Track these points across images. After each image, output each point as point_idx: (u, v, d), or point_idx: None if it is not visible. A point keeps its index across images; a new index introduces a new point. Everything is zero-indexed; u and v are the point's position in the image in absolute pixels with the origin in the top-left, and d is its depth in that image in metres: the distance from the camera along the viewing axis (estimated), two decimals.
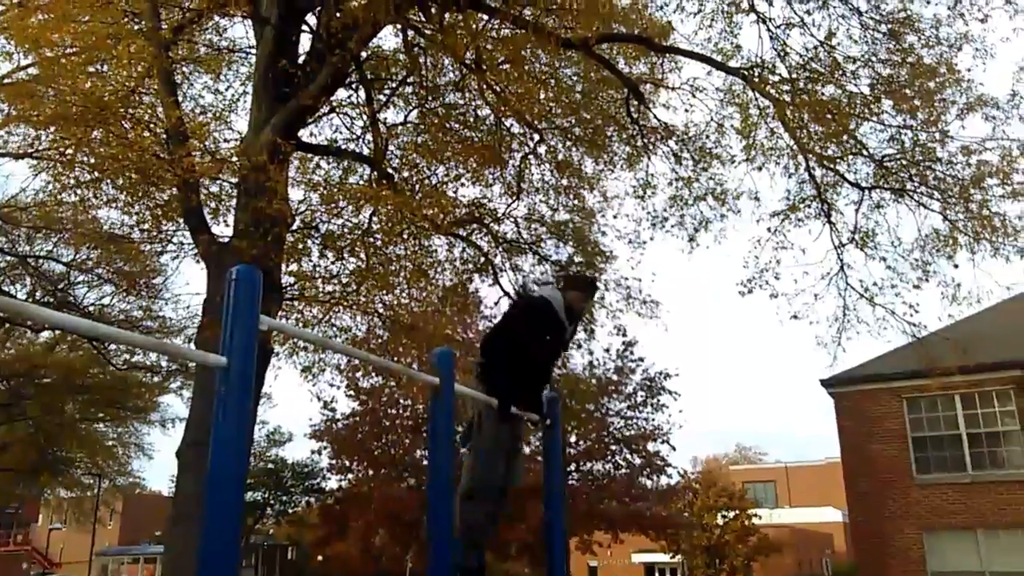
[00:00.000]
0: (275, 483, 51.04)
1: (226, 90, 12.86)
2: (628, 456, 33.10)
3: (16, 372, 30.76)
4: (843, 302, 14.02)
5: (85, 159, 9.48)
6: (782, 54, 12.28)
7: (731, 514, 47.69)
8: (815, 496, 55.68)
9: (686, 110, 13.32)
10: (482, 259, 13.63)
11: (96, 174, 9.44)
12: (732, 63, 12.61)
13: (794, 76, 12.15)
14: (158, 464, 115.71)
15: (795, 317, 13.69)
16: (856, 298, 13.52)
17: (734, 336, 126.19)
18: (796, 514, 54.61)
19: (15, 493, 38.70)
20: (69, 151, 9.65)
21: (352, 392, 30.02)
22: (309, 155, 12.09)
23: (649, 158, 13.48)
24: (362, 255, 10.82)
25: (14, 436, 33.37)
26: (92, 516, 41.65)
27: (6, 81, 12.08)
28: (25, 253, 23.38)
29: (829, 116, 11.65)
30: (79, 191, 9.96)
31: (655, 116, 13.20)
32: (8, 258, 22.84)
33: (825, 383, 17.58)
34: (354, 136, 12.50)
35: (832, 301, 15.34)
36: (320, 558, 53.20)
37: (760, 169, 13.04)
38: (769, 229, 13.26)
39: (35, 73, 10.70)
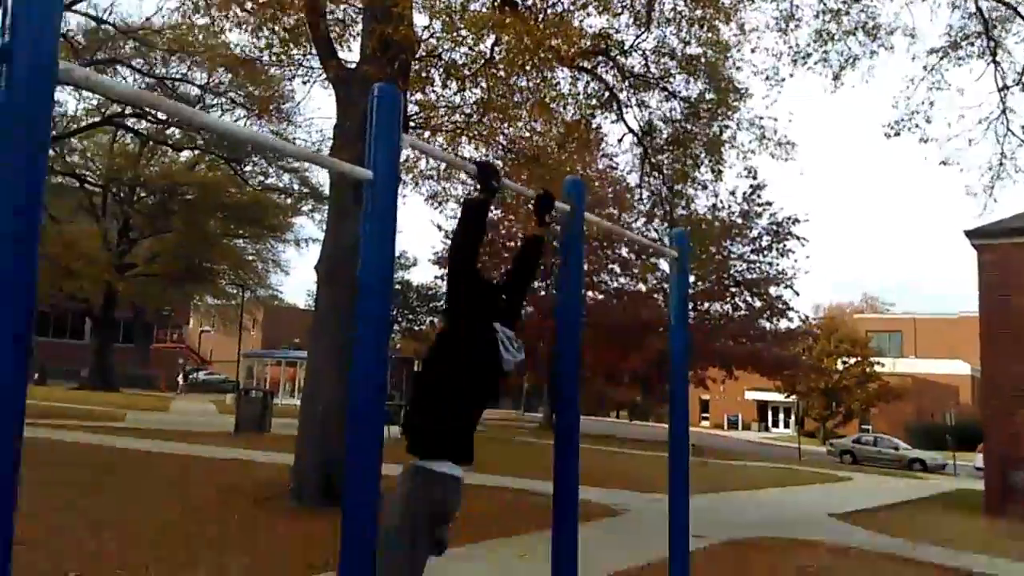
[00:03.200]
0: (402, 303, 54.28)
1: None
2: (748, 299, 32.87)
3: (161, 188, 32.99)
4: (1000, 149, 12.99)
5: None
6: None
7: (852, 360, 47.26)
8: (943, 349, 54.09)
9: None
10: (607, 94, 13.18)
11: None
12: None
13: None
14: (295, 279, 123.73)
15: (944, 163, 12.82)
16: (1016, 145, 12.47)
17: (871, 182, 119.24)
18: (921, 365, 53.47)
19: (167, 298, 42.58)
20: None
21: None
22: None
23: None
24: (484, 86, 10.67)
25: (163, 247, 36.33)
26: (237, 323, 45.50)
27: None
28: (162, 75, 24.30)
29: None
30: (210, 12, 10.10)
31: None
32: (147, 79, 23.83)
33: (970, 234, 16.53)
34: None
35: (988, 148, 14.28)
36: None
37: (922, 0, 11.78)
38: (925, 67, 12.19)
39: None
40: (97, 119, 25.62)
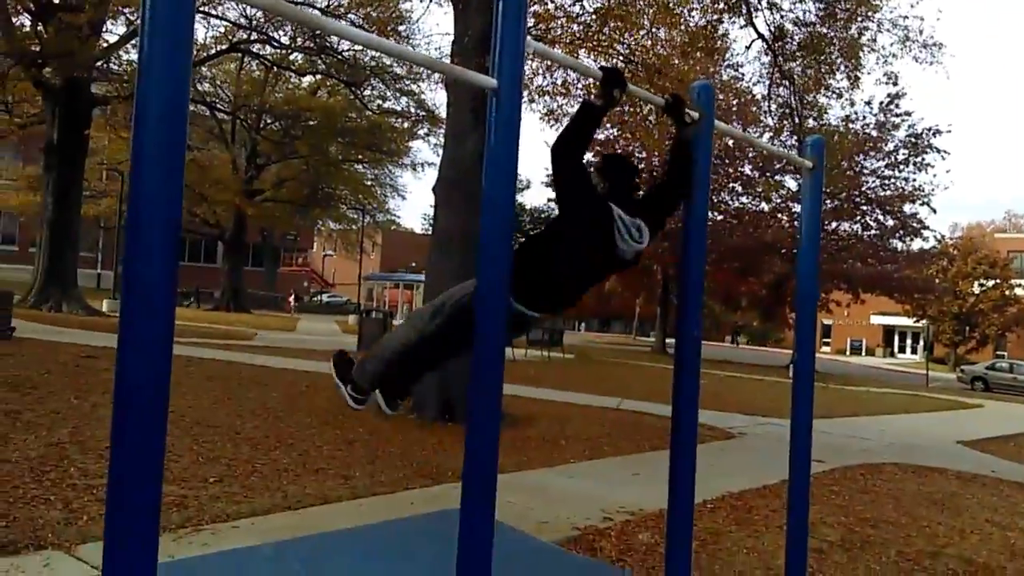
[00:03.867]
0: (515, 225, 54.54)
1: None
2: (880, 217, 31.13)
3: (285, 114, 33.94)
4: None
5: None
6: None
7: (990, 283, 44.41)
8: None
9: None
10: None
11: None
12: None
13: None
14: (411, 203, 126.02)
15: None
16: None
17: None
18: None
19: (293, 222, 44.23)
20: None
21: None
22: None
23: None
24: None
25: (289, 173, 37.69)
26: (357, 246, 46.98)
27: None
28: None
29: None
30: None
31: None
32: (268, 1, 24.28)
33: None
34: None
35: None
36: None
37: None
38: None
39: None
40: (225, 46, 26.39)
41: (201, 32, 25.28)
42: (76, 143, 22.19)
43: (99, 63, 21.60)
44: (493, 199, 2.39)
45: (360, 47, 23.59)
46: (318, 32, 23.41)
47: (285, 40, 25.80)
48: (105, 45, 21.74)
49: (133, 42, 19.68)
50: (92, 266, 40.88)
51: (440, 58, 22.40)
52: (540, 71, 12.40)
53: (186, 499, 4.91)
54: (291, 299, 46.63)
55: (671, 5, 10.30)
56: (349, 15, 24.58)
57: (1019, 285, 44.45)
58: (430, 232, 10.62)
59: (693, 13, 11.65)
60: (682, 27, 11.39)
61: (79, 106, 22.07)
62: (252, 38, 26.32)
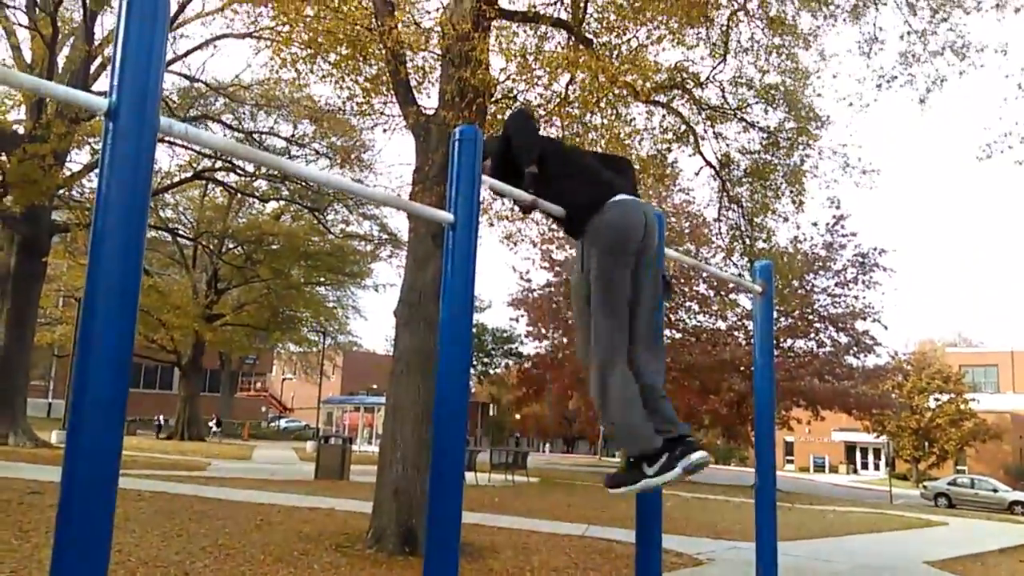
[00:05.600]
0: (477, 345, 54.47)
1: None
2: (833, 335, 31.82)
3: (248, 239, 34.22)
4: None
5: (300, 35, 9.92)
6: None
7: (945, 397, 45.11)
8: None
9: None
10: (683, 127, 13.06)
11: (310, 49, 9.86)
12: None
13: None
14: (373, 324, 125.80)
15: None
16: None
17: (963, 209, 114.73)
18: (1020, 400, 50.60)
19: (252, 346, 43.72)
20: (286, 28, 10.12)
21: (547, 264, 30.81)
22: (507, 24, 11.94)
23: (878, 9, 12.10)
24: (559, 124, 10.69)
25: (250, 296, 37.59)
26: (318, 368, 46.39)
27: None
28: (250, 129, 25.39)
29: None
30: (296, 67, 10.48)
31: None
32: (236, 133, 24.94)
33: None
34: (552, 0, 12.15)
35: None
36: (518, 416, 56.72)
37: (1018, 11, 11.33)
38: (1020, 86, 11.68)
39: None
40: (189, 174, 26.82)
41: (166, 160, 25.77)
42: (34, 271, 22.01)
43: (61, 191, 21.72)
44: (451, 328, 2.45)
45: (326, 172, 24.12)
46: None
47: (250, 168, 26.36)
48: (69, 174, 21.95)
49: (97, 170, 19.90)
50: (43, 394, 39.68)
51: (403, 185, 23.04)
52: (499, 196, 12.76)
53: None
54: (212, 423, 43.11)
55: (621, 136, 10.79)
56: (313, 144, 25.30)
57: (973, 399, 45.18)
58: (392, 353, 10.58)
59: (644, 142, 12.21)
60: (633, 156, 11.89)
61: (38, 233, 22.03)
62: (217, 166, 26.83)
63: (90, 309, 1.66)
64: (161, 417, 38.75)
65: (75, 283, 28.79)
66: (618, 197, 3.03)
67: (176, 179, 26.50)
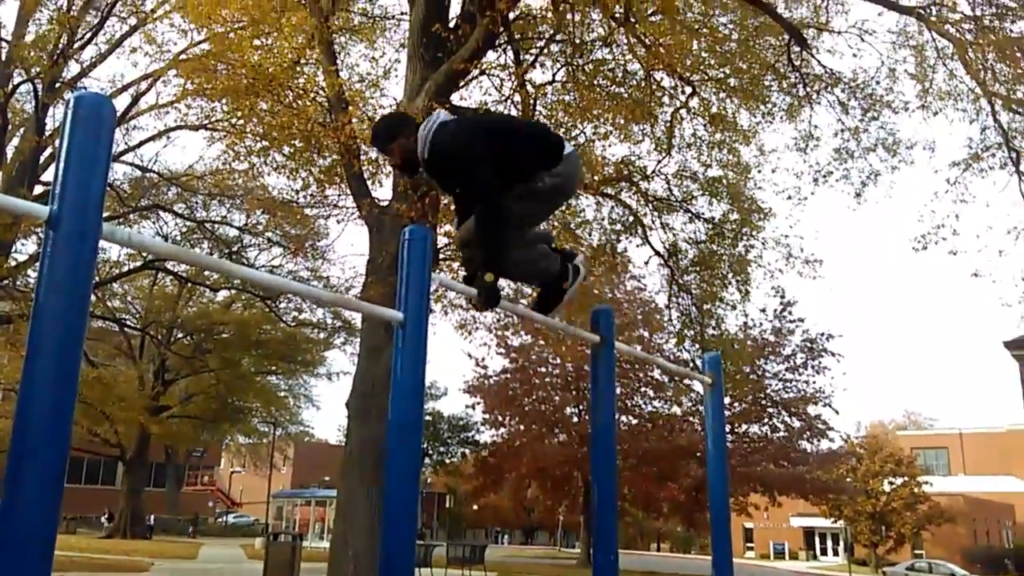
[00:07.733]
0: (432, 434, 53.52)
1: (380, 58, 13.29)
2: (786, 419, 32.11)
3: (198, 328, 33.61)
4: None
5: (255, 129, 10.08)
6: None
7: (898, 481, 45.41)
8: (993, 465, 51.97)
9: (854, 55, 12.59)
10: (631, 218, 13.43)
11: (265, 143, 10.01)
12: (906, 1, 11.68)
13: (979, 13, 11.09)
14: (325, 414, 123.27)
15: (976, 275, 12.74)
16: None
17: (904, 295, 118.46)
18: (971, 483, 51.23)
19: (200, 439, 42.36)
20: (240, 121, 10.28)
21: (503, 350, 30.80)
22: None
23: (812, 108, 12.80)
24: None
25: (199, 387, 36.63)
26: (268, 461, 45.09)
27: (182, 57, 13.03)
28: (202, 218, 25.30)
29: (1020, 55, 10.58)
30: (250, 159, 10.60)
31: (819, 63, 12.49)
32: (188, 223, 24.83)
33: (1009, 345, 16.20)
34: (503, 97, 12.56)
35: (1020, 258, 14.21)
36: (475, 507, 55.44)
37: (936, 114, 12.08)
38: (948, 180, 12.33)
39: (207, 49, 11.45)
40: (138, 263, 26.48)
41: (115, 250, 25.42)
42: None
43: (4, 282, 21.23)
44: (400, 424, 2.45)
45: (275, 264, 24.04)
46: (234, 251, 23.89)
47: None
48: (14, 264, 21.50)
49: None
50: None
51: (356, 275, 23.06)
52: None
53: None
54: (104, 519, 39.46)
55: (572, 227, 11.06)
56: (267, 233, 25.28)
57: (926, 483, 45.60)
58: (344, 444, 10.39)
59: (593, 233, 12.52)
60: (584, 245, 12.15)
61: None
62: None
63: (24, 415, 1.63)
64: (106, 513, 36.77)
65: (16, 376, 27.85)
66: None
67: (125, 268, 26.10)
